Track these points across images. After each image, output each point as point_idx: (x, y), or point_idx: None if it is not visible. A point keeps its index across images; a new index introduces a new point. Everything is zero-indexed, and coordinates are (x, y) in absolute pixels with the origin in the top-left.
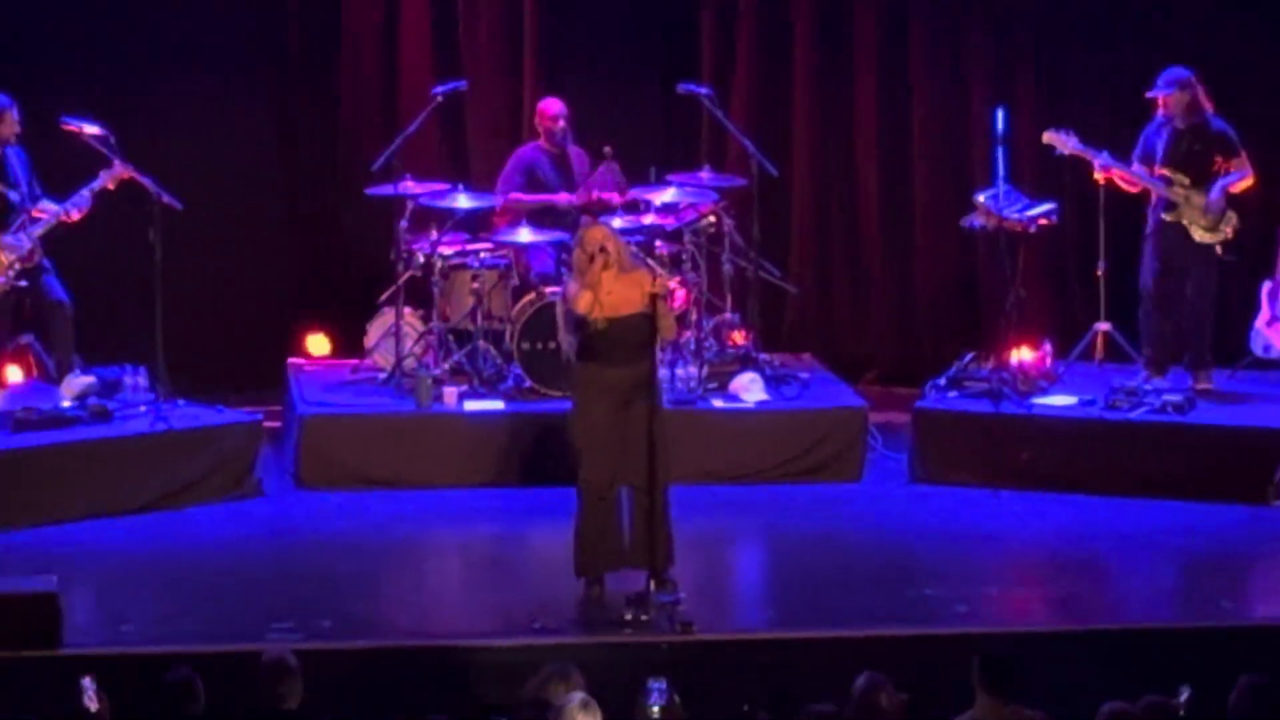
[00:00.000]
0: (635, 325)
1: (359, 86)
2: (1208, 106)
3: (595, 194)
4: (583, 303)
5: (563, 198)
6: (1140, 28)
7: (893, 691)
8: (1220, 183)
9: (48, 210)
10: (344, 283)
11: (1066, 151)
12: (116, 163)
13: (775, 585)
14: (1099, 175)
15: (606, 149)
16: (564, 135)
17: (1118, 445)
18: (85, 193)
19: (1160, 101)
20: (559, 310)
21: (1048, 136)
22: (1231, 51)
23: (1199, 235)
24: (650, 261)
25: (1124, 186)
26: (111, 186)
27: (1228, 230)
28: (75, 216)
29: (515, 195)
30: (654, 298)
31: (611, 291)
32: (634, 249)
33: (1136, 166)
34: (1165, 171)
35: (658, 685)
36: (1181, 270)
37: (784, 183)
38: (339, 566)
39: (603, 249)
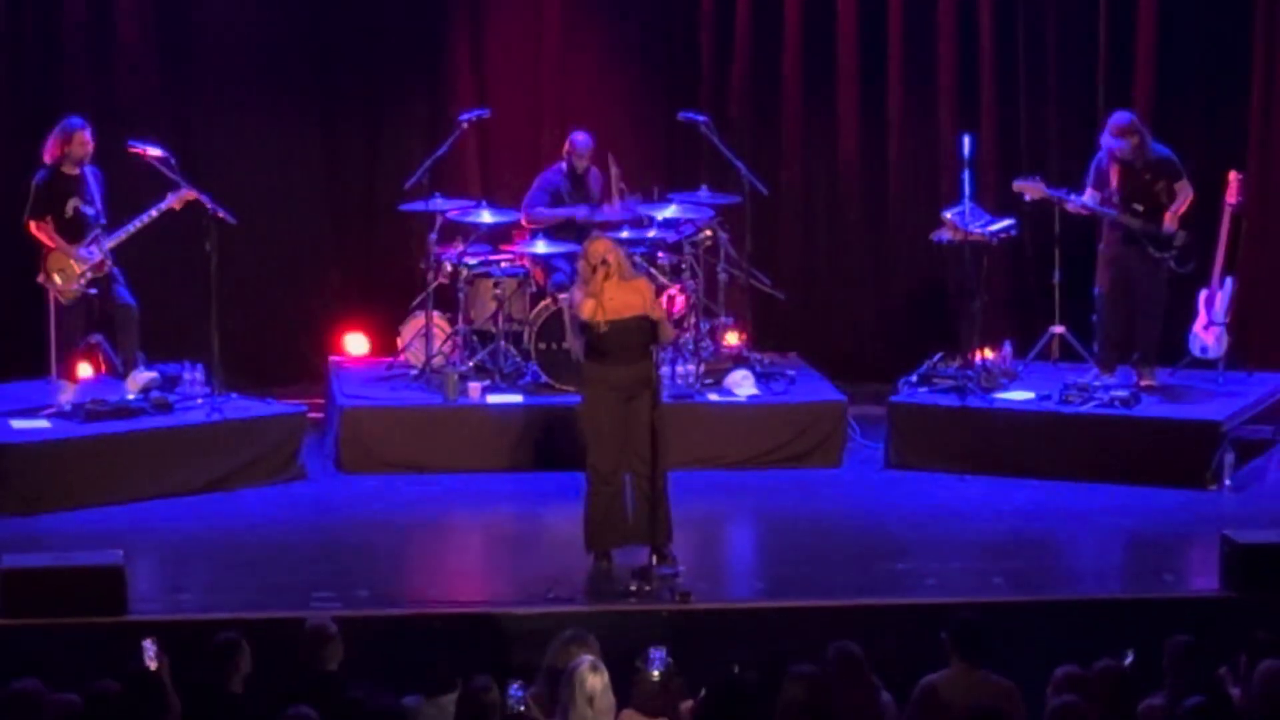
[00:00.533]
0: (635, 328)
1: (396, 110)
2: (1149, 138)
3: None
4: (586, 309)
5: (580, 211)
6: (1081, 64)
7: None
8: (1170, 211)
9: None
10: (380, 289)
11: (1037, 197)
12: (183, 185)
13: (764, 560)
14: (1070, 210)
15: (610, 156)
16: (588, 164)
17: (1071, 435)
18: (153, 212)
19: (1117, 151)
20: (565, 316)
21: (1017, 186)
22: (1172, 76)
23: (1153, 253)
24: (651, 270)
25: (1086, 215)
26: (177, 207)
27: (1178, 247)
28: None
29: (538, 210)
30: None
31: (613, 298)
32: (635, 258)
33: (1090, 194)
34: (1120, 201)
35: (658, 653)
36: (1135, 281)
37: (773, 201)
38: (374, 542)
39: (605, 260)
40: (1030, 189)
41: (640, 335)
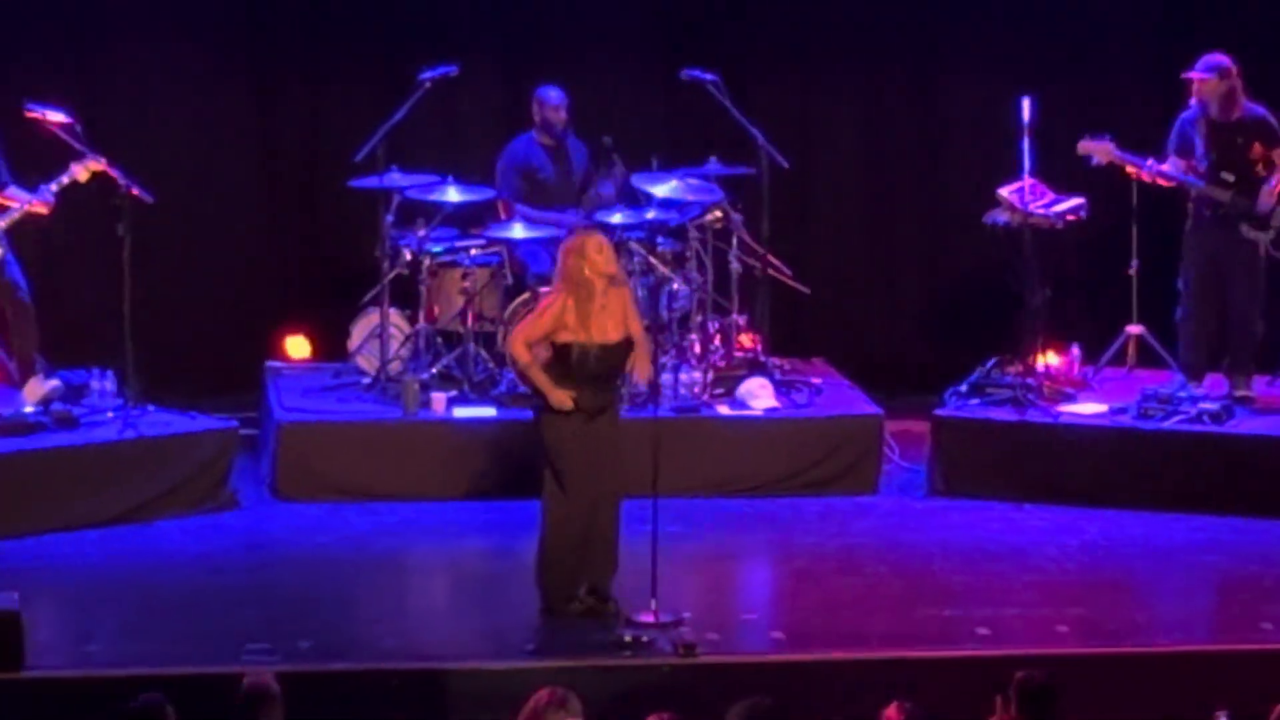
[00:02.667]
0: (622, 351)
1: (341, 70)
2: (1243, 97)
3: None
4: (575, 330)
5: (568, 220)
6: (1174, 13)
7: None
8: (1267, 185)
9: (17, 198)
10: (325, 281)
11: (1105, 160)
12: (87, 154)
13: (784, 604)
14: (1145, 179)
15: (605, 139)
16: (564, 127)
17: (1150, 456)
18: (53, 186)
19: (1195, 86)
20: (535, 318)
21: (1083, 146)
22: (1272, 37)
23: (1247, 232)
24: (651, 259)
25: (1166, 185)
26: (82, 179)
27: (1277, 225)
28: (41, 210)
29: (521, 208)
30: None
31: (606, 315)
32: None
33: (1172, 161)
34: (1207, 169)
35: None
36: (1225, 270)
37: (798, 176)
38: (319, 584)
39: (609, 273)
40: (1098, 150)
41: (622, 358)
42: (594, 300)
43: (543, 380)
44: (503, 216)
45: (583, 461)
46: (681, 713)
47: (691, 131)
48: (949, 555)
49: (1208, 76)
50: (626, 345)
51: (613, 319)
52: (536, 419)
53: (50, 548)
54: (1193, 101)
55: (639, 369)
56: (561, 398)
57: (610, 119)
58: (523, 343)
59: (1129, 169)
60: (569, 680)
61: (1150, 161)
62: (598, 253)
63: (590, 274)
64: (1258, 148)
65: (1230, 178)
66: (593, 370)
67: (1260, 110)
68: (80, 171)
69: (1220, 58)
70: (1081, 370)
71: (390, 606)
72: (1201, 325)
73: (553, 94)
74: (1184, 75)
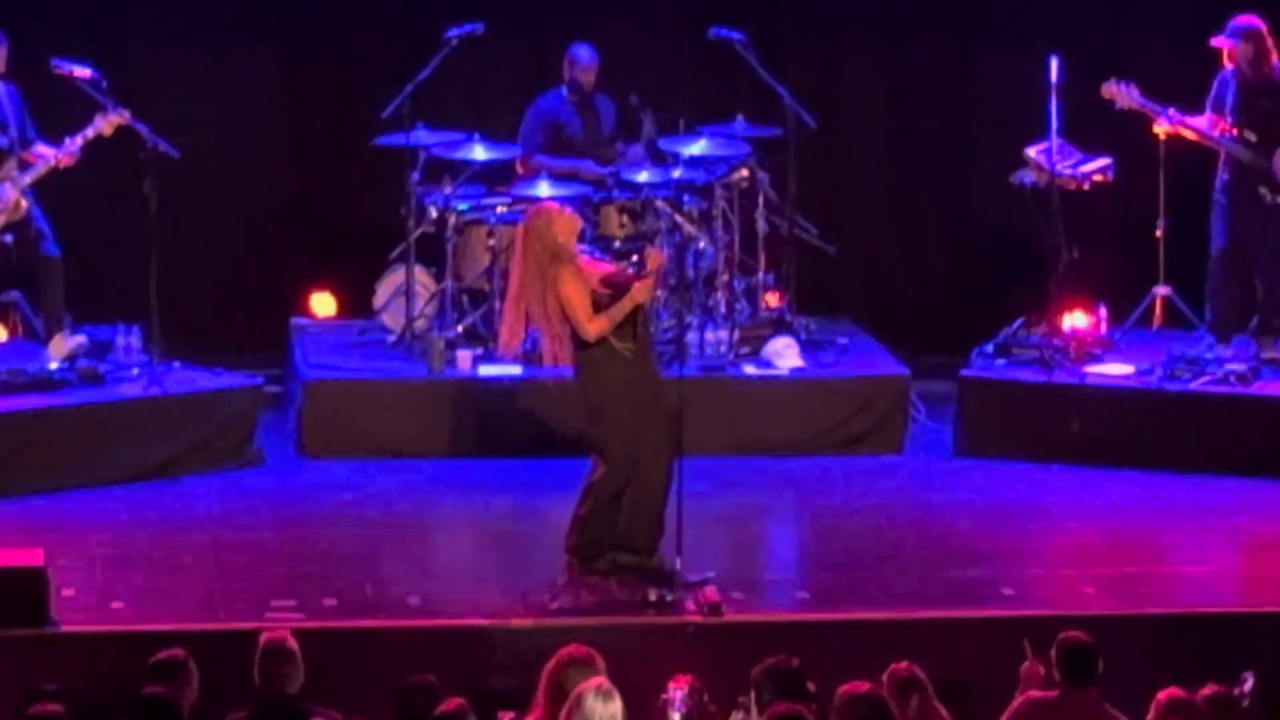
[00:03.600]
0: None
1: (370, 26)
2: (1274, 58)
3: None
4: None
5: (587, 168)
6: None
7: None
8: None
9: (41, 155)
10: (351, 238)
11: (1126, 106)
12: (110, 108)
13: (809, 564)
14: (1162, 131)
15: (633, 98)
16: (592, 88)
17: (1177, 417)
18: (77, 139)
19: (1224, 50)
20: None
21: (1107, 89)
22: None
23: (1265, 196)
24: (677, 218)
25: (1190, 138)
26: (107, 133)
27: None
28: (66, 162)
29: (540, 158)
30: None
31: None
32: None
33: (1208, 118)
34: (1233, 128)
35: (679, 691)
36: (1249, 232)
37: (824, 135)
38: (343, 541)
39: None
40: (1121, 95)
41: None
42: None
43: (619, 306)
44: (520, 172)
45: (627, 409)
46: (706, 672)
47: (719, 90)
48: (974, 516)
49: (1234, 43)
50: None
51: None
52: (580, 375)
53: (75, 504)
54: (1227, 63)
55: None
56: (641, 285)
57: (637, 77)
58: (591, 323)
59: (1152, 118)
60: (592, 639)
61: (1172, 111)
62: (557, 222)
63: (564, 240)
64: None
65: (1253, 137)
66: (639, 328)
67: None
68: (104, 125)
69: (1247, 20)
70: (1108, 331)
71: (415, 564)
72: (1228, 287)
73: (584, 53)
74: (1211, 42)
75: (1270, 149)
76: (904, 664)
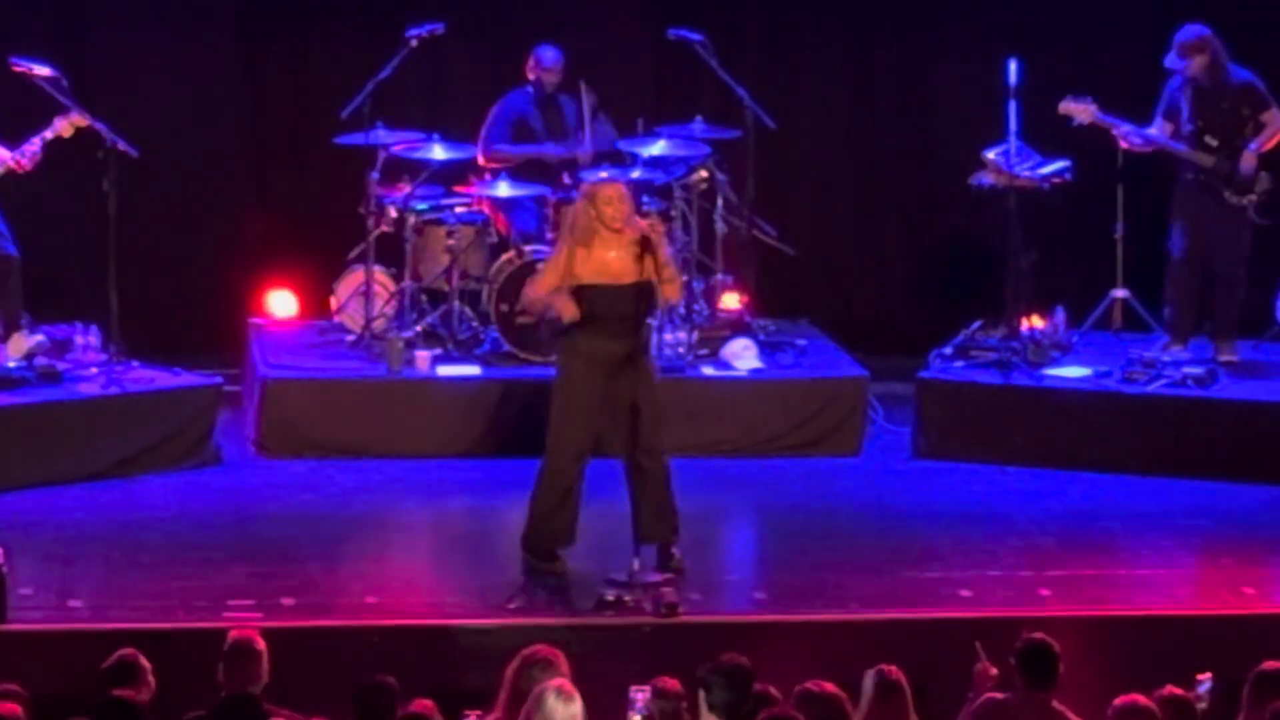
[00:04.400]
0: (624, 295)
1: (331, 25)
2: (1226, 61)
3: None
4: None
5: (548, 149)
6: None
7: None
8: (1252, 145)
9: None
10: (310, 238)
11: (1086, 121)
12: (72, 108)
13: (767, 565)
14: (1122, 143)
15: (582, 82)
16: (555, 89)
17: (1134, 420)
18: (36, 141)
19: (1180, 71)
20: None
21: (1064, 106)
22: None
23: (1230, 198)
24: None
25: (1150, 149)
26: (66, 134)
27: (1261, 192)
28: (26, 166)
29: (501, 146)
30: (650, 250)
31: (612, 257)
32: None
33: (1158, 126)
34: (1193, 134)
35: (640, 694)
36: (1211, 235)
37: (783, 136)
38: (302, 540)
39: (611, 211)
40: (1079, 111)
41: (634, 302)
42: (605, 247)
43: (555, 301)
44: (481, 163)
45: (576, 411)
46: (663, 672)
47: (678, 91)
48: (932, 517)
49: (1184, 63)
50: (639, 290)
51: (622, 263)
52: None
53: (33, 502)
54: (1169, 67)
55: (665, 292)
56: (566, 304)
57: (597, 78)
58: (531, 291)
59: (1116, 134)
60: (548, 639)
61: (1128, 129)
62: (607, 204)
63: (596, 223)
64: (1244, 113)
65: (1214, 142)
66: (601, 313)
67: (1247, 75)
68: (64, 126)
69: (1192, 29)
70: (1066, 333)
71: (373, 564)
72: (1186, 289)
73: (549, 54)
74: (1165, 64)
75: (1233, 152)
76: (893, 668)
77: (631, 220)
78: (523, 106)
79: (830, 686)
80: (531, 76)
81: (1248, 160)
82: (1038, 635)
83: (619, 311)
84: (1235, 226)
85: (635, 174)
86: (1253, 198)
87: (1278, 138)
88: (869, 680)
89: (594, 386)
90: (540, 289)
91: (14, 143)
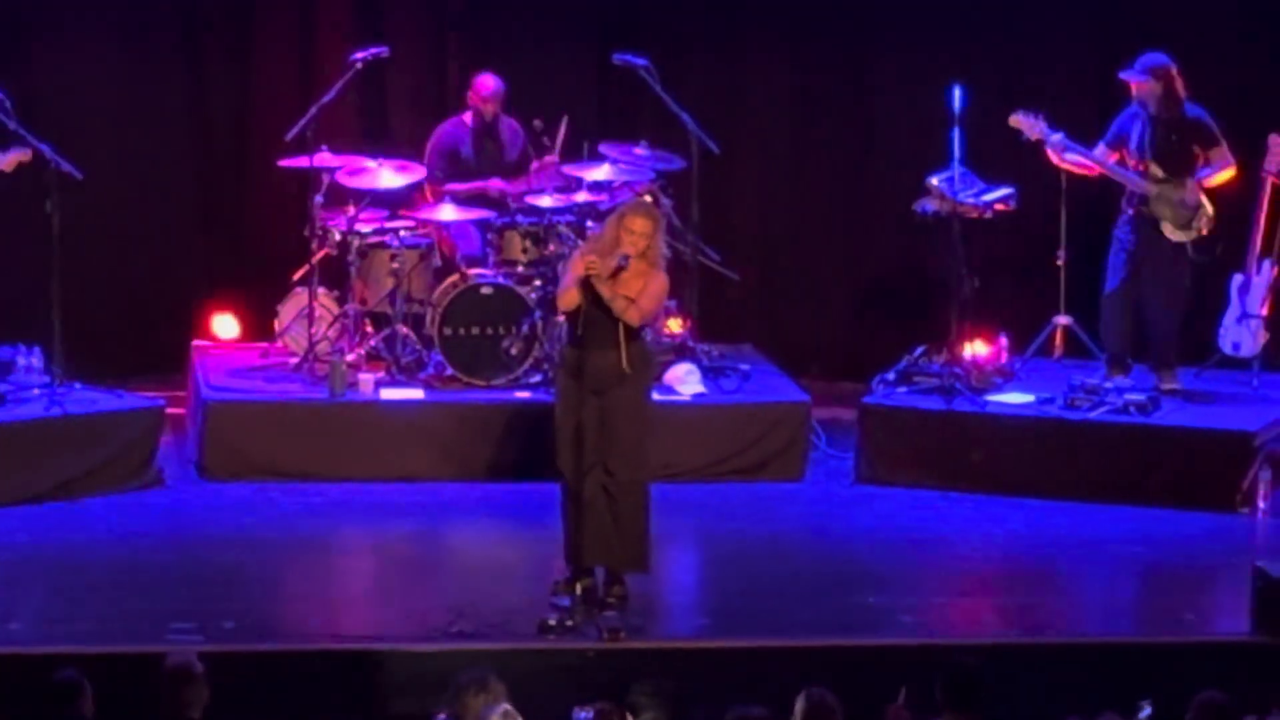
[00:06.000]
0: (605, 310)
1: (274, 49)
2: (1183, 95)
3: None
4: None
5: (495, 185)
6: (1114, 9)
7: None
8: (1198, 176)
9: None
10: (254, 261)
11: (1035, 138)
12: (24, 135)
13: (710, 591)
14: (1054, 160)
15: (536, 122)
16: (494, 116)
17: (1077, 446)
18: None
19: (1133, 87)
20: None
21: (1015, 120)
22: (1210, 40)
23: (1170, 233)
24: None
25: (1082, 173)
26: (7, 170)
27: (1201, 227)
28: None
29: (450, 185)
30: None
31: (624, 280)
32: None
33: (1102, 153)
34: (1138, 163)
35: (584, 714)
36: (1149, 267)
37: (727, 161)
38: (244, 563)
39: (638, 240)
40: (1028, 126)
41: (613, 321)
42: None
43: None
44: (429, 198)
45: (561, 425)
46: (604, 697)
47: (623, 115)
48: (875, 543)
49: (1144, 79)
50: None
51: (625, 286)
52: None
53: None
54: (1134, 101)
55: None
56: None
57: (542, 101)
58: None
59: (1053, 151)
60: (492, 663)
61: (1072, 144)
62: (628, 233)
63: (610, 228)
64: (1194, 149)
65: (1160, 173)
66: (586, 324)
67: (1200, 111)
68: (6, 162)
69: (1156, 57)
70: (1009, 359)
71: (315, 587)
72: (1118, 322)
73: (486, 82)
74: (1120, 75)
75: (1178, 184)
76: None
77: (653, 252)
78: (456, 136)
79: (758, 710)
80: (470, 104)
81: (1191, 189)
82: (962, 660)
83: (592, 321)
84: (1173, 264)
85: (580, 197)
86: (1192, 235)
87: (1223, 173)
88: (800, 703)
89: (576, 402)
90: (567, 283)
91: None
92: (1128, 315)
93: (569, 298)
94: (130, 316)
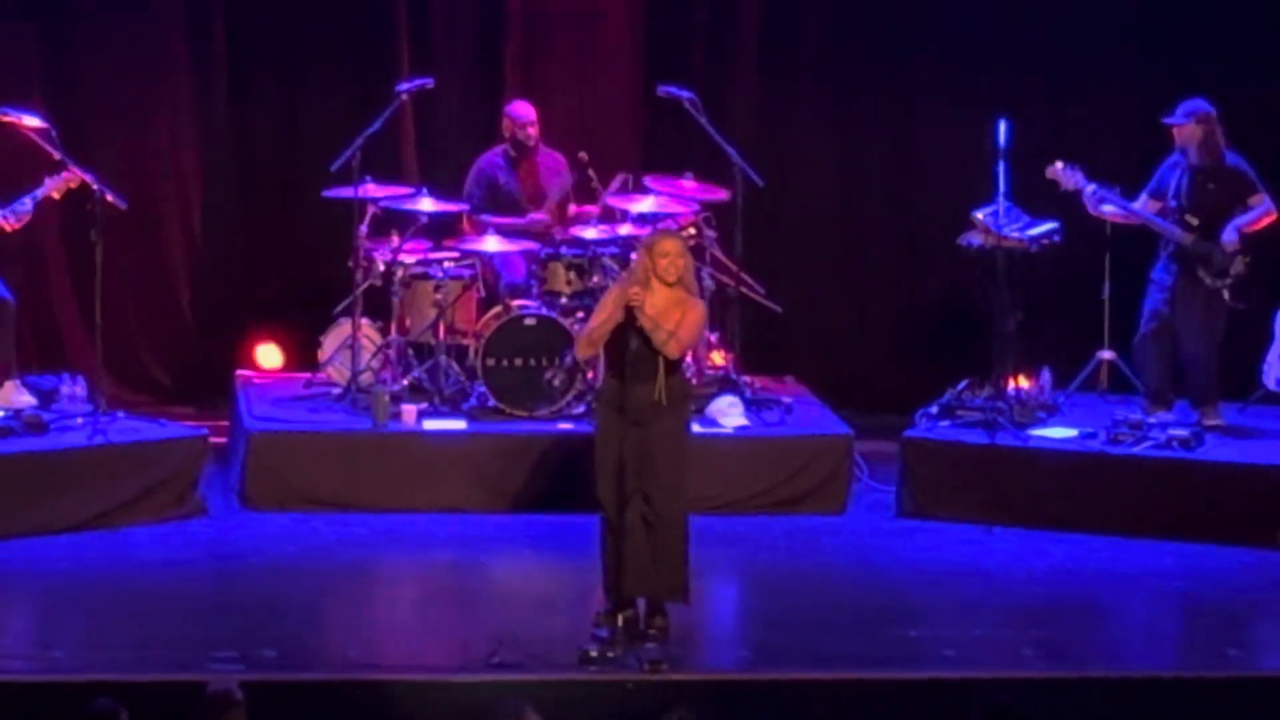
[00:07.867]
0: (648, 343)
1: (321, 79)
2: (1222, 143)
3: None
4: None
5: (534, 219)
6: (1158, 50)
7: None
8: (1234, 223)
9: None
10: (298, 291)
11: (1071, 189)
12: (64, 170)
13: (751, 623)
14: (1090, 211)
15: (581, 155)
16: (534, 143)
17: (1119, 481)
18: (27, 200)
19: (1175, 132)
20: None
21: (1052, 171)
22: (1252, 82)
23: (1206, 279)
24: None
25: (1120, 222)
26: (57, 195)
27: (1235, 275)
28: (14, 226)
29: (487, 217)
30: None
31: (657, 309)
32: (703, 281)
33: (1143, 203)
34: (1176, 211)
35: None
36: (1184, 311)
37: (772, 194)
38: (285, 593)
39: (668, 264)
40: (1066, 178)
41: (656, 353)
42: (653, 295)
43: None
44: (468, 232)
45: (601, 458)
46: None
47: (668, 148)
48: (916, 576)
49: (1184, 123)
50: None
51: (664, 316)
52: None
53: (17, 552)
54: (1175, 149)
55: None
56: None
57: (587, 133)
58: (583, 339)
59: (1088, 203)
60: (532, 694)
61: (1106, 195)
62: (662, 257)
63: (650, 273)
64: (1232, 196)
65: (1194, 221)
66: (627, 357)
67: (1238, 160)
68: (55, 186)
69: (1197, 103)
70: (1052, 394)
71: (356, 618)
72: (1155, 361)
73: (521, 110)
74: (1163, 120)
75: (1212, 232)
76: None
77: (688, 276)
78: (494, 167)
79: None
80: (507, 133)
81: (1229, 236)
82: (1000, 701)
83: (637, 357)
84: (1208, 307)
85: (624, 230)
86: (1229, 280)
87: (1263, 222)
88: None
89: (616, 432)
90: (593, 322)
91: (2, 194)
92: (1164, 357)
93: (594, 339)
94: (174, 346)
